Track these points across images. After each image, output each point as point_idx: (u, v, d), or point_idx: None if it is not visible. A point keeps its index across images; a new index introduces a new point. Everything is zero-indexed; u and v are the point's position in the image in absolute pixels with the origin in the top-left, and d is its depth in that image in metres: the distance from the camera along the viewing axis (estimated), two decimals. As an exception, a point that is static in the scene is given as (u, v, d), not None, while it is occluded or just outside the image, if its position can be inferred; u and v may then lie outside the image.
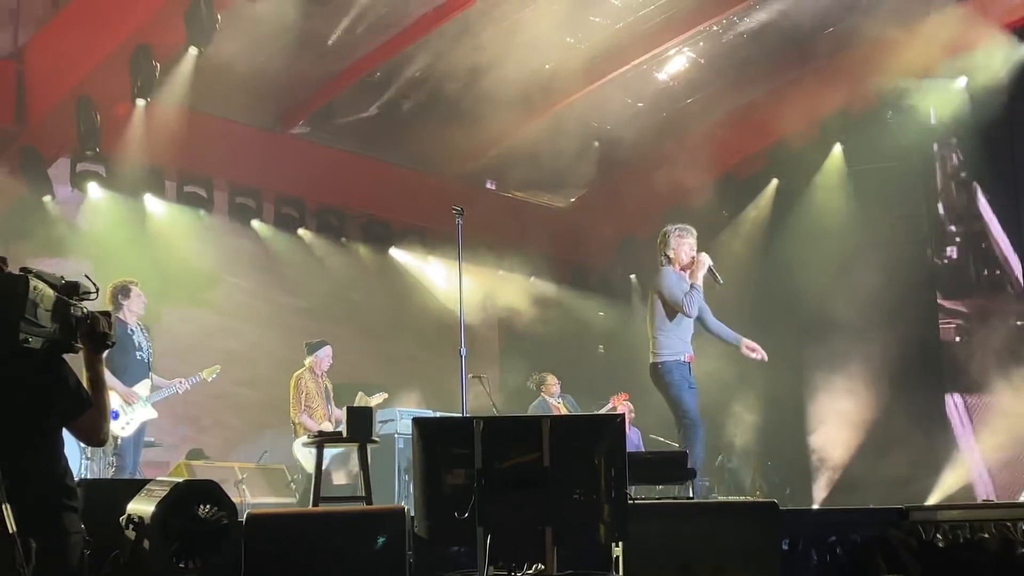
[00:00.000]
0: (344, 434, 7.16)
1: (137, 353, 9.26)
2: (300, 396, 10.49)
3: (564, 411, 12.08)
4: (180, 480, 5.02)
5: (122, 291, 9.36)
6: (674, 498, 8.57)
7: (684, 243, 8.24)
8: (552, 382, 12.45)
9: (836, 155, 14.47)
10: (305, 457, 10.35)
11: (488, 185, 15.05)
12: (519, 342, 15.17)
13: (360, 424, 7.15)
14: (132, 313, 9.32)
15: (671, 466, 7.13)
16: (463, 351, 8.19)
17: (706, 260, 8.14)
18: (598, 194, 14.91)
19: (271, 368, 12.49)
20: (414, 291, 14.72)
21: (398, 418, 11.40)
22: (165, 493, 4.83)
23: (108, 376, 8.83)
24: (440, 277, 14.68)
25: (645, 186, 14.18)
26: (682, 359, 8.09)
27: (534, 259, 15.64)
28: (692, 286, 8.08)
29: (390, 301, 14.62)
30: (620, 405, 12.30)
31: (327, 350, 10.83)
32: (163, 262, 12.05)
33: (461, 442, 5.08)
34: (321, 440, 7.46)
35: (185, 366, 10.38)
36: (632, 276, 16.20)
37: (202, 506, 4.79)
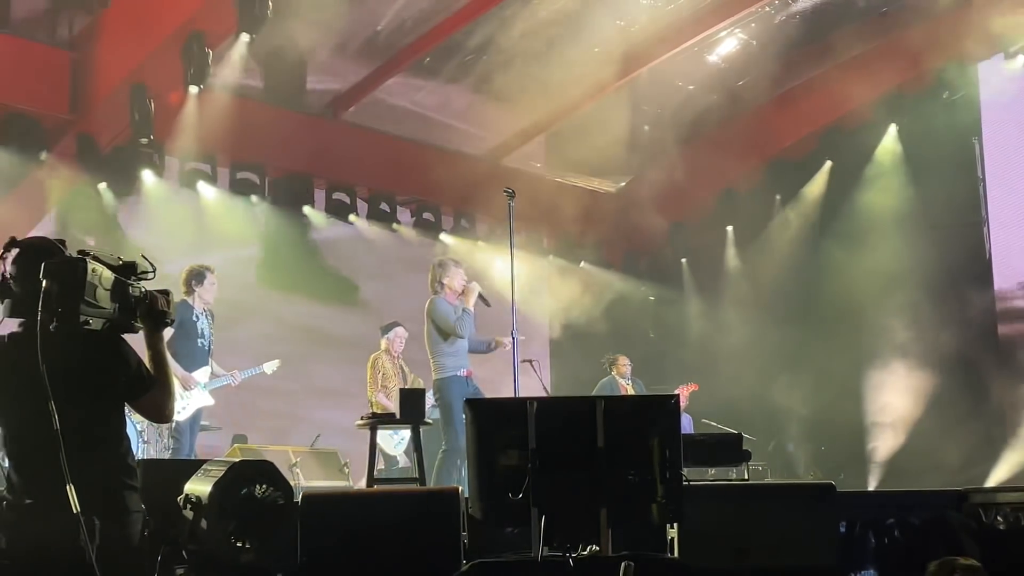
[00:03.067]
0: (397, 416, 7.20)
1: (199, 340, 9.32)
2: (376, 376, 10.66)
3: (632, 393, 12.11)
4: (236, 460, 5.06)
5: (196, 277, 9.39)
6: (729, 480, 8.54)
7: (458, 274, 9.09)
8: (624, 363, 12.56)
9: (891, 136, 14.31)
10: (383, 439, 10.43)
11: (537, 167, 15.02)
12: (569, 327, 15.16)
13: (413, 406, 7.19)
14: (201, 300, 9.38)
15: (725, 448, 7.11)
16: (515, 335, 8.22)
17: (476, 288, 9.00)
18: (648, 178, 14.83)
19: (322, 351, 12.57)
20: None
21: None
22: (222, 473, 4.87)
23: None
24: (490, 262, 14.70)
25: (696, 170, 14.11)
26: (459, 374, 8.86)
27: (584, 244, 15.62)
28: (464, 310, 8.89)
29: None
30: (686, 393, 12.39)
31: (400, 331, 10.98)
32: (214, 248, 12.14)
33: (515, 423, 5.08)
34: (374, 421, 7.51)
35: (239, 354, 10.50)
36: (683, 260, 16.13)
37: (258, 486, 4.82)
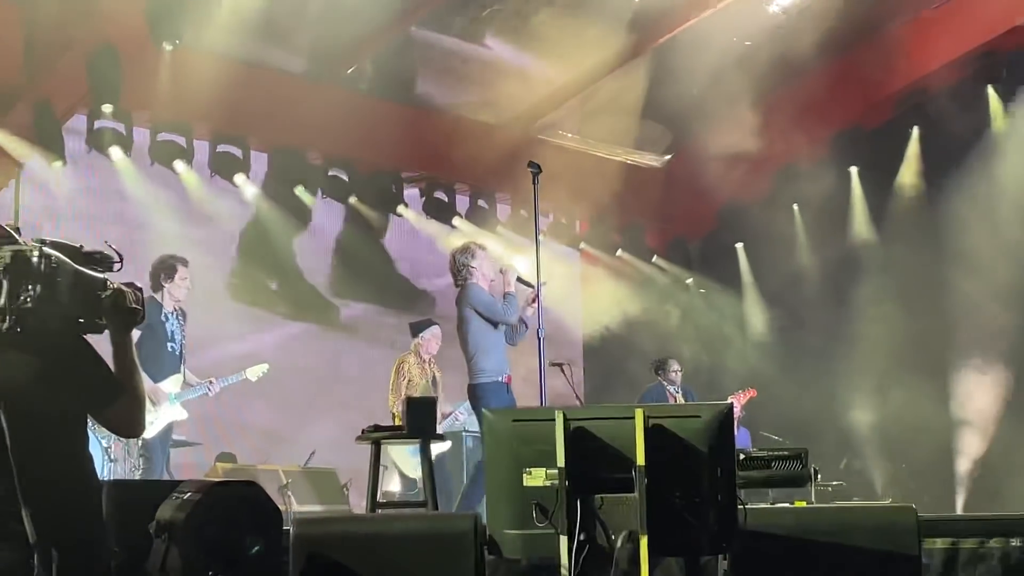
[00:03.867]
0: (405, 429, 7.21)
1: (169, 344, 9.32)
2: (400, 382, 10.60)
3: (682, 403, 12.09)
4: (216, 481, 5.09)
5: (166, 271, 9.40)
6: (792, 504, 8.51)
7: (486, 257, 9.26)
8: (674, 368, 12.52)
9: (992, 98, 14.18)
10: (402, 458, 10.41)
11: (569, 138, 14.99)
12: (606, 325, 15.16)
13: (422, 417, 7.19)
14: (172, 298, 9.40)
15: (788, 466, 7.08)
16: (541, 332, 8.22)
17: (513, 269, 9.26)
18: (697, 151, 14.78)
19: (321, 356, 12.62)
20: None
21: (467, 413, 11.46)
22: (198, 498, 4.90)
23: None
24: (513, 250, 14.69)
25: (753, 140, 14.04)
26: (501, 380, 8.95)
27: (621, 227, 15.58)
28: (507, 294, 9.11)
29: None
30: (743, 401, 12.35)
31: (435, 330, 10.91)
32: (191, 235, 12.19)
33: (541, 437, 5.08)
34: (377, 436, 7.52)
35: (213, 360, 10.53)
36: (738, 245, 16.07)
37: (249, 537, 4.85)
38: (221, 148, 12.71)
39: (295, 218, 13.60)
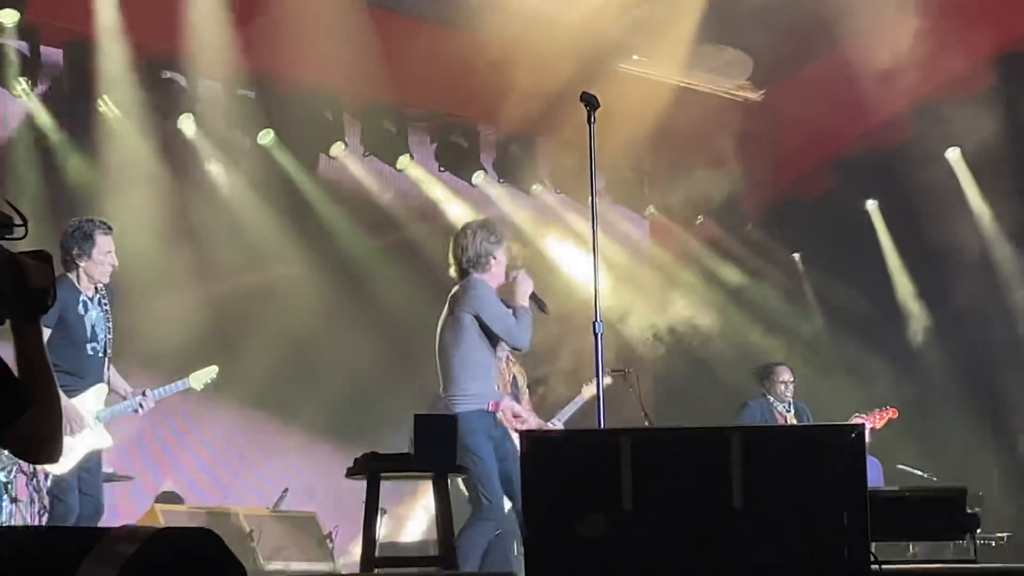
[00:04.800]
0: (412, 457, 7.21)
1: (89, 345, 9.13)
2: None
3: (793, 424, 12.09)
4: (153, 530, 5.10)
5: (82, 239, 9.11)
6: (945, 561, 8.52)
7: (504, 249, 9.21)
8: (783, 377, 12.40)
9: None
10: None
11: (634, 61, 14.97)
12: (681, 320, 15.16)
13: (436, 442, 7.20)
14: (90, 277, 9.17)
15: (939, 510, 7.08)
16: (598, 326, 8.19)
17: (528, 281, 9.20)
18: (808, 79, 14.71)
19: (299, 356, 12.69)
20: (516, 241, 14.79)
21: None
22: (131, 551, 4.91)
23: None
24: (555, 219, 14.71)
25: (884, 67, 13.95)
26: (486, 408, 8.90)
27: (705, 184, 15.54)
28: (521, 307, 9.11)
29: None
30: (880, 424, 12.30)
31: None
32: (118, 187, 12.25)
33: (600, 469, 5.10)
34: (375, 467, 7.53)
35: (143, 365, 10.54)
36: (869, 203, 15.96)
37: None
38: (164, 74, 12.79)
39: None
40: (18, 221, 3.87)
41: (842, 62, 13.97)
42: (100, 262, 8.97)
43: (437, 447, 7.27)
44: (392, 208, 14.34)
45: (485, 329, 8.84)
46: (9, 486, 8.81)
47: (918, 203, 14.55)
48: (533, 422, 10.59)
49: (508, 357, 10.56)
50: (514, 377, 10.73)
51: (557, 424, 11.02)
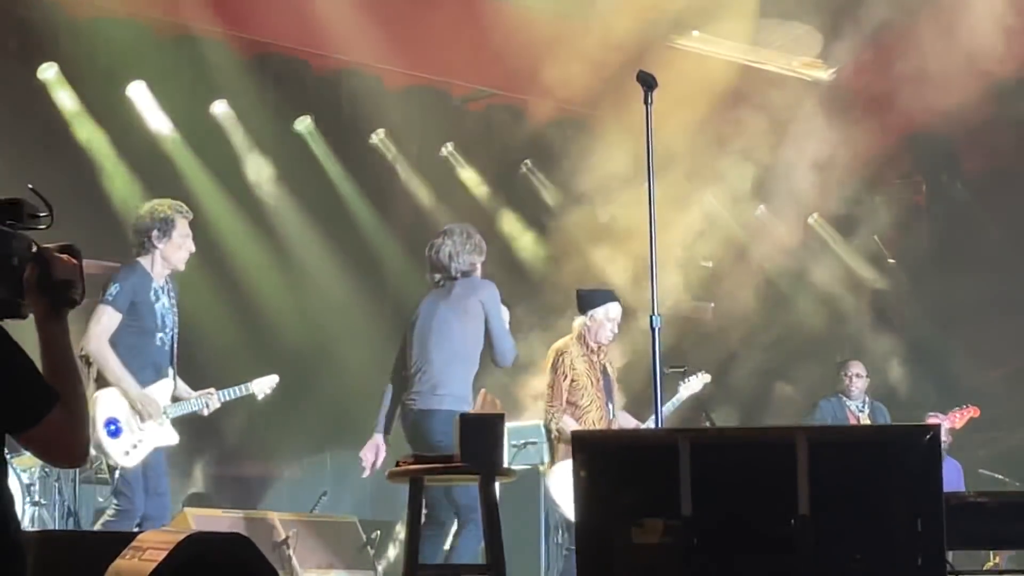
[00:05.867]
0: (456, 459, 7.21)
1: (159, 334, 9.11)
2: (561, 383, 10.48)
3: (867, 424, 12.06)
4: (185, 534, 5.12)
5: (161, 223, 9.17)
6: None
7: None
8: (854, 371, 12.41)
9: None
10: (563, 496, 10.28)
11: (694, 36, 14.94)
12: (742, 308, 15.14)
13: (481, 443, 7.19)
14: (166, 261, 9.16)
15: (1020, 517, 7.05)
16: (656, 321, 8.17)
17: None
18: (884, 56, 14.64)
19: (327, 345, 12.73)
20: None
21: (544, 438, 11.48)
22: (161, 557, 4.94)
23: (112, 364, 8.89)
24: (612, 202, 14.70)
25: (961, 40, 13.87)
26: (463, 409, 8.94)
27: (771, 170, 15.50)
28: None
29: (526, 248, 14.74)
30: (960, 423, 12.25)
31: (613, 307, 10.67)
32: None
33: (657, 474, 5.10)
34: (416, 470, 7.52)
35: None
36: (959, 186, 15.92)
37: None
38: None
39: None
40: (43, 211, 3.89)
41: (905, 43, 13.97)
42: (180, 246, 9.02)
43: (483, 447, 7.25)
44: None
45: (489, 326, 9.04)
46: (32, 487, 8.85)
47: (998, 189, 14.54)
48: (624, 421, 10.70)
49: (601, 348, 10.58)
50: (604, 368, 10.70)
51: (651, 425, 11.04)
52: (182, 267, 9.22)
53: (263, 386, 9.99)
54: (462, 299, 9.14)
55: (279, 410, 12.53)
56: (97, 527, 8.91)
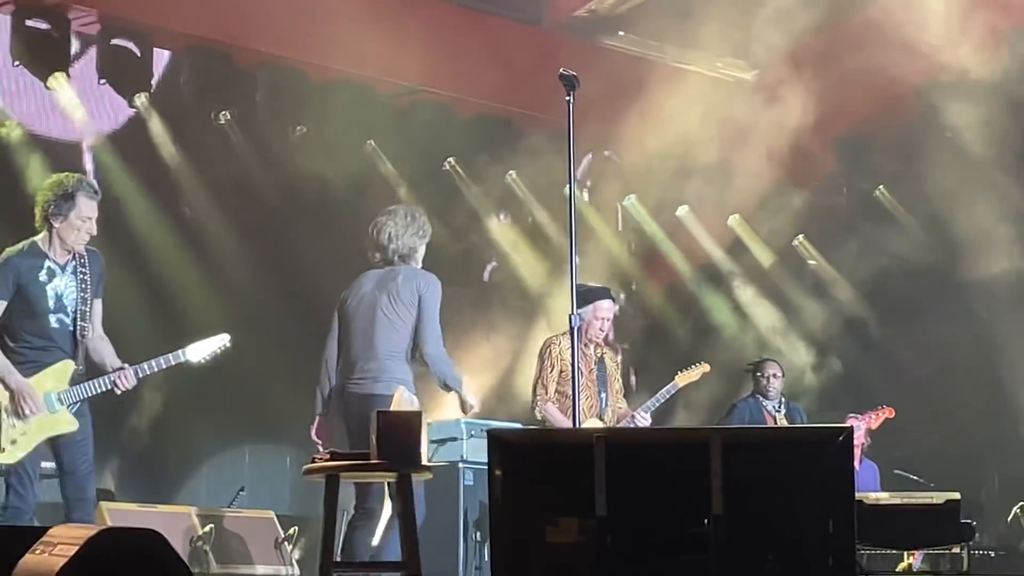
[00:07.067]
0: (372, 457, 7.20)
1: (54, 317, 9.00)
2: (548, 372, 10.62)
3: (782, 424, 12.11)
4: (97, 529, 5.09)
5: (62, 198, 8.97)
6: (940, 573, 8.56)
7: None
8: (770, 372, 12.46)
9: None
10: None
11: (619, 36, 14.97)
12: (672, 310, 15.18)
13: (399, 441, 7.18)
14: (63, 244, 9.00)
15: (933, 519, 7.09)
16: (575, 320, 8.18)
17: None
18: (805, 55, 14.72)
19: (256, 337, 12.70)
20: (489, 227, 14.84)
21: (465, 435, 11.47)
22: (71, 553, 4.90)
23: None
24: (533, 200, 14.75)
25: (887, 40, 13.93)
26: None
27: (696, 169, 15.55)
28: None
29: (451, 245, 14.73)
30: (875, 424, 12.31)
31: (605, 305, 10.63)
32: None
33: (573, 473, 5.11)
34: (331, 466, 7.51)
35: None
36: (879, 190, 16.02)
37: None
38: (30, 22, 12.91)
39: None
40: None
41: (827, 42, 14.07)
42: (76, 227, 8.75)
43: (400, 444, 7.25)
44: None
45: (424, 318, 9.01)
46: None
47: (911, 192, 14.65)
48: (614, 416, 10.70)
49: (593, 342, 10.59)
50: (600, 359, 10.72)
51: (644, 415, 11.02)
52: (80, 247, 8.95)
53: (203, 350, 9.46)
54: (404, 291, 9.10)
55: (196, 402, 12.51)
56: None
